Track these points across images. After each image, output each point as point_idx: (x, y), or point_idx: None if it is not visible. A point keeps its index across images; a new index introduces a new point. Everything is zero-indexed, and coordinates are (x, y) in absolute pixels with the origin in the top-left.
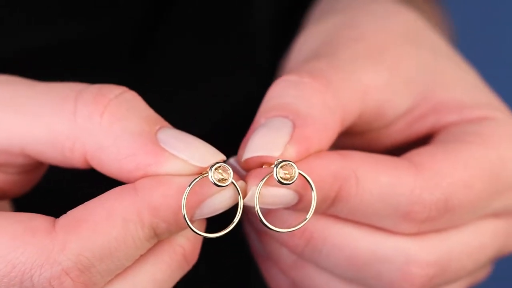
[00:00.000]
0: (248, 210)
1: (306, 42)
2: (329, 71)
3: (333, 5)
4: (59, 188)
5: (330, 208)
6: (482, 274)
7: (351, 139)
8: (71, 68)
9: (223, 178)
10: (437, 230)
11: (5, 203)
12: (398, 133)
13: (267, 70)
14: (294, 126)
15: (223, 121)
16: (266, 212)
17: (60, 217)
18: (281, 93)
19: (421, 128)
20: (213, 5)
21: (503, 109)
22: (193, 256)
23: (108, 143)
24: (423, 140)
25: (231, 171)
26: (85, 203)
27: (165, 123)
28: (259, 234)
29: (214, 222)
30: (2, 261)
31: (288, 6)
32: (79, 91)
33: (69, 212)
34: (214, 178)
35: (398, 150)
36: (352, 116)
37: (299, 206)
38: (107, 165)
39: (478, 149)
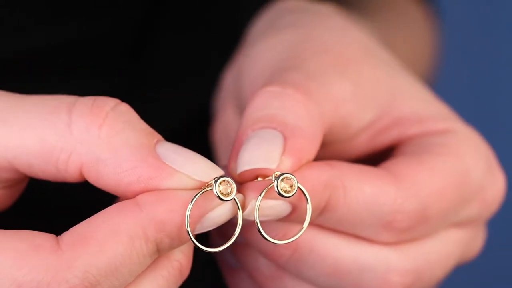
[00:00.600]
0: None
1: (264, 55)
2: (307, 81)
3: (277, 22)
4: (40, 199)
5: (318, 218)
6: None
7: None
8: (70, 68)
9: (227, 192)
10: (413, 239)
11: None
12: (361, 145)
13: None
14: (285, 138)
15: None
16: (252, 223)
17: (63, 234)
18: (265, 104)
19: (384, 140)
20: (211, 5)
21: (458, 120)
22: (188, 270)
23: (107, 156)
24: (386, 152)
25: (234, 185)
26: (87, 219)
27: (160, 137)
28: (232, 246)
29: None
30: (7, 280)
31: None
32: (71, 103)
33: (72, 229)
34: (219, 192)
35: (362, 162)
36: (327, 127)
37: (291, 217)
38: (105, 178)
39: (448, 160)
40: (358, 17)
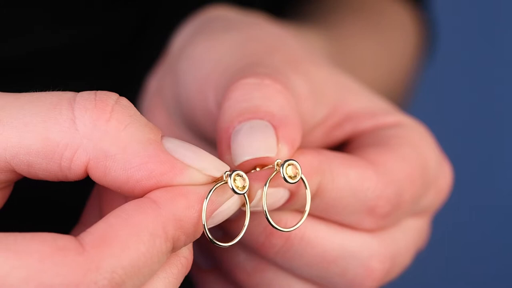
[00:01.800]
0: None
1: (206, 57)
2: (277, 75)
3: (211, 26)
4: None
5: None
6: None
7: None
8: (64, 71)
9: (243, 186)
10: (388, 227)
11: None
12: (316, 141)
13: None
14: (274, 127)
15: None
16: (253, 213)
17: (82, 234)
18: (246, 96)
19: (338, 135)
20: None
21: (404, 114)
22: (190, 265)
23: (115, 151)
24: (340, 147)
25: (247, 178)
26: (105, 218)
27: (162, 131)
28: (200, 245)
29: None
30: (34, 284)
31: None
32: (71, 98)
33: (91, 230)
34: (235, 186)
35: None
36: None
37: (288, 204)
38: (113, 174)
39: (410, 150)
40: (303, 26)
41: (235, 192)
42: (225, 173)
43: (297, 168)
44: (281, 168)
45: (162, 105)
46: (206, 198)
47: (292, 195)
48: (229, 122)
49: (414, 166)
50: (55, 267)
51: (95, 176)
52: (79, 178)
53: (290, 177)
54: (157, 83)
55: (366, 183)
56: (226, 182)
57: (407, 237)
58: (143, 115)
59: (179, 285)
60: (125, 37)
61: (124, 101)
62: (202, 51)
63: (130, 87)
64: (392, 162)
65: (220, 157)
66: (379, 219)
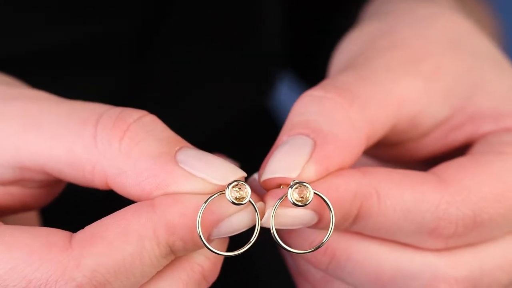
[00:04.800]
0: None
1: (346, 47)
2: (356, 84)
3: (379, 8)
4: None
5: (352, 226)
6: None
7: (387, 150)
8: (79, 68)
9: (240, 197)
10: (467, 245)
11: (32, 214)
12: (435, 143)
13: (275, 81)
14: (315, 145)
15: (225, 129)
16: (289, 230)
17: (77, 232)
18: (304, 109)
19: (458, 137)
20: (220, 10)
21: None
22: (213, 274)
23: (127, 168)
24: (461, 149)
25: (248, 189)
26: (102, 218)
27: (185, 143)
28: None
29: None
30: (18, 276)
31: (300, 16)
32: (99, 114)
33: (86, 228)
34: (231, 196)
35: (436, 160)
36: (382, 129)
37: (320, 225)
38: (128, 189)
39: (511, 160)
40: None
41: (232, 203)
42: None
43: (307, 191)
44: (288, 190)
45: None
46: (205, 203)
47: (320, 218)
48: (281, 135)
49: (507, 181)
50: (38, 261)
51: (116, 190)
52: (104, 189)
53: (297, 199)
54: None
55: (425, 204)
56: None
57: (502, 254)
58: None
59: None
60: (133, 33)
61: (148, 118)
62: (348, 41)
63: (145, 83)
64: (472, 178)
65: (260, 170)
66: (446, 239)
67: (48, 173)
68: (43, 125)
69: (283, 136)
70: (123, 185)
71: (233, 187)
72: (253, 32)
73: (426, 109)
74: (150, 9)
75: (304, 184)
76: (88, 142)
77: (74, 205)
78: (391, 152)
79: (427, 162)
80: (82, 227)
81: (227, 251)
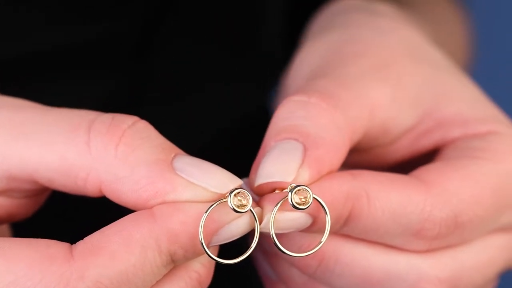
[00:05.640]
0: (261, 234)
1: (306, 59)
2: (336, 89)
3: (331, 21)
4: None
5: (342, 228)
6: None
7: (357, 156)
8: (78, 68)
9: (242, 204)
10: (448, 246)
11: (5, 227)
12: (403, 149)
13: (276, 81)
14: (305, 149)
15: (226, 129)
16: (279, 235)
17: (77, 243)
18: (289, 114)
19: (426, 143)
20: (220, 9)
21: (507, 123)
22: (208, 281)
23: (124, 174)
24: (429, 155)
25: (250, 197)
26: (102, 229)
27: (179, 150)
28: (268, 256)
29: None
30: None
31: (298, 19)
32: (91, 121)
33: (86, 239)
34: (234, 204)
35: (404, 165)
36: (359, 133)
37: (313, 228)
38: (124, 196)
39: (486, 164)
40: (411, 14)
41: (234, 210)
42: (230, 190)
43: (307, 194)
44: (289, 193)
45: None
46: (205, 213)
47: (315, 220)
48: (267, 140)
49: (485, 184)
50: (40, 273)
51: (110, 197)
52: (96, 196)
53: (298, 203)
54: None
55: (410, 206)
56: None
57: (479, 255)
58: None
59: None
60: (136, 35)
61: (141, 124)
62: (306, 52)
63: (147, 84)
64: (452, 181)
65: (250, 175)
66: (430, 241)
67: (36, 182)
68: (31, 133)
69: (270, 141)
70: (119, 192)
71: (235, 195)
72: (253, 32)
73: (395, 116)
74: (151, 9)
75: (303, 187)
76: (81, 149)
77: (54, 213)
78: (360, 157)
79: (395, 168)
80: (66, 235)
81: (224, 258)
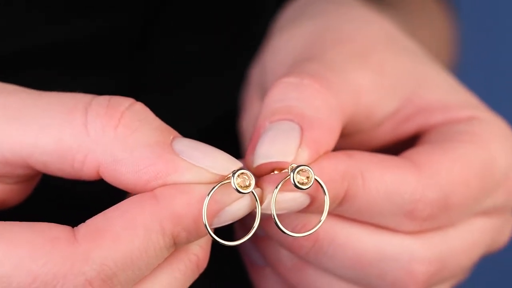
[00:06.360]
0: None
1: (285, 47)
2: (326, 72)
3: (303, 12)
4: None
5: (337, 208)
6: (463, 276)
7: (340, 141)
8: (77, 65)
9: (245, 185)
10: (436, 228)
11: None
12: (385, 134)
13: None
14: (302, 130)
15: (224, 118)
16: (271, 216)
17: (79, 226)
18: (282, 95)
19: (408, 129)
20: (216, 5)
21: (484, 108)
22: (204, 263)
23: (123, 156)
24: (410, 140)
25: (253, 178)
26: (104, 211)
27: (176, 133)
28: (256, 240)
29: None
30: (23, 273)
31: None
32: (87, 103)
33: (88, 221)
34: (237, 185)
35: (385, 150)
36: (347, 117)
37: (310, 208)
38: (123, 177)
39: (472, 148)
40: (383, 9)
41: (238, 191)
42: (232, 172)
43: (308, 174)
44: (291, 173)
45: (257, 93)
46: (208, 195)
47: (313, 200)
48: (262, 121)
49: (471, 167)
50: (44, 256)
51: (108, 179)
52: (92, 179)
53: (300, 183)
54: (255, 71)
55: (403, 186)
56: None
57: (464, 238)
58: (245, 104)
59: (188, 281)
60: (135, 32)
61: (137, 106)
62: (282, 40)
63: (147, 79)
64: (442, 163)
65: (246, 156)
66: (421, 222)
67: (29, 167)
68: (24, 116)
69: (264, 122)
70: (118, 174)
71: (238, 176)
72: (252, 25)
73: (378, 102)
74: (149, 2)
75: (305, 167)
76: (79, 131)
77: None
78: (342, 143)
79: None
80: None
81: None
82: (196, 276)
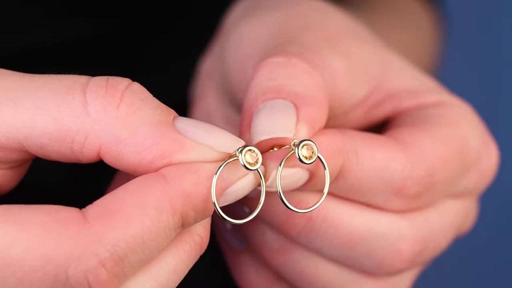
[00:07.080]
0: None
1: (249, 35)
2: (308, 53)
3: (259, 4)
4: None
5: (331, 185)
6: (431, 259)
7: None
8: (75, 63)
9: (253, 162)
10: (420, 208)
11: None
12: (355, 120)
13: None
14: (296, 107)
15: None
16: (269, 193)
17: (87, 207)
18: (271, 74)
19: (378, 115)
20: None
21: (448, 93)
22: (206, 244)
23: (127, 135)
24: (380, 126)
25: (260, 154)
26: (112, 192)
27: (175, 113)
28: (236, 226)
29: None
30: (36, 256)
31: None
32: (84, 83)
33: (97, 202)
34: (245, 161)
35: None
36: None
37: (309, 184)
38: (126, 158)
39: (447, 130)
40: (345, 8)
41: (246, 168)
42: (238, 149)
43: (313, 149)
44: (296, 148)
45: (212, 86)
46: (216, 174)
47: (312, 176)
48: (253, 100)
49: (450, 147)
50: (57, 238)
51: (109, 160)
52: (91, 161)
53: (305, 157)
54: (208, 64)
55: (393, 164)
56: (238, 158)
57: (443, 219)
58: (196, 97)
59: (192, 262)
60: (135, 30)
61: (136, 85)
62: (245, 30)
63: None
64: (424, 143)
65: (241, 135)
66: (408, 200)
67: (25, 151)
68: (19, 98)
69: (256, 101)
70: (120, 154)
71: (245, 152)
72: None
73: (349, 87)
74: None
75: (309, 142)
76: (78, 111)
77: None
78: None
79: None
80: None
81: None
82: (198, 256)
